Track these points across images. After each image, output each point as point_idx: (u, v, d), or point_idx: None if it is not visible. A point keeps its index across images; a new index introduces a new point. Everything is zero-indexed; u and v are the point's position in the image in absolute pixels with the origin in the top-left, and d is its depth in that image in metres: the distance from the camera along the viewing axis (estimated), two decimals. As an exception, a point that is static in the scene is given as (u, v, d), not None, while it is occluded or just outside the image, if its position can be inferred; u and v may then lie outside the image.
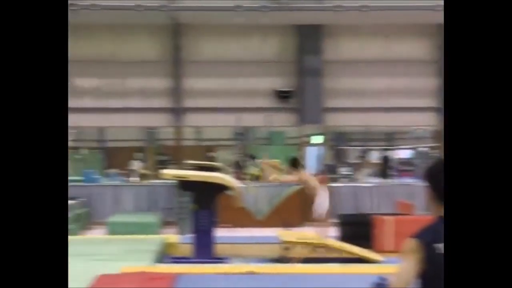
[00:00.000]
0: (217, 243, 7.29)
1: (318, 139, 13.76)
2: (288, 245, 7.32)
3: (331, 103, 12.61)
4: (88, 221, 11.92)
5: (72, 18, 11.05)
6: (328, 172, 13.12)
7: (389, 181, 14.42)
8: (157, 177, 14.15)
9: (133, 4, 10.95)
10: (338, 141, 16.50)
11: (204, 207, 7.27)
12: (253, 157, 13.63)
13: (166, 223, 11.66)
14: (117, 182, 12.98)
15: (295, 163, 8.28)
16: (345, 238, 8.71)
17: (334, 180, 13.01)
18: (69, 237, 9.51)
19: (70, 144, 13.54)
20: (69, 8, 10.91)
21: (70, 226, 10.68)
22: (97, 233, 11.03)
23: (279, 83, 12.54)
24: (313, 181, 8.11)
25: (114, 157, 16.41)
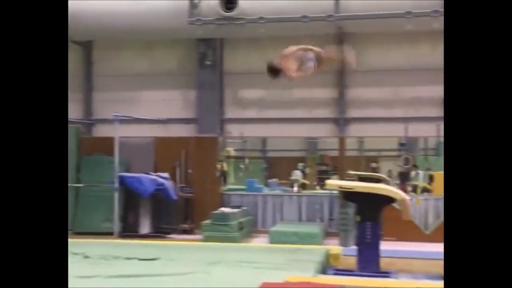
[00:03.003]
0: (382, 257, 7.04)
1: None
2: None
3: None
4: (251, 229, 12.13)
5: (238, 31, 11.46)
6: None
7: None
8: (318, 187, 14.14)
9: (299, 16, 11.01)
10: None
11: (369, 219, 7.08)
12: (420, 169, 13.08)
13: (328, 234, 11.54)
14: (278, 192, 13.10)
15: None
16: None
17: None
18: (233, 244, 9.70)
19: (234, 153, 13.93)
20: (236, 22, 11.26)
21: (234, 234, 10.96)
22: (259, 242, 11.17)
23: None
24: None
25: (276, 167, 16.64)
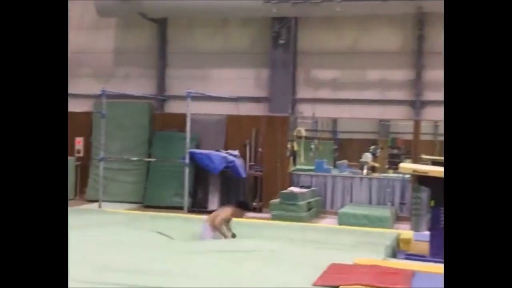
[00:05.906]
0: (455, 244, 6.82)
1: None
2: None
3: None
4: (320, 210, 12.05)
5: (313, 10, 11.30)
6: None
7: None
8: (389, 170, 13.86)
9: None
10: None
11: (443, 205, 6.87)
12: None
13: (399, 218, 11.32)
14: (347, 173, 12.93)
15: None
16: None
17: None
18: (302, 224, 9.61)
19: (305, 133, 13.80)
20: (312, 1, 11.09)
21: (302, 214, 10.91)
22: (327, 223, 11.07)
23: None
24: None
25: (346, 149, 16.44)
